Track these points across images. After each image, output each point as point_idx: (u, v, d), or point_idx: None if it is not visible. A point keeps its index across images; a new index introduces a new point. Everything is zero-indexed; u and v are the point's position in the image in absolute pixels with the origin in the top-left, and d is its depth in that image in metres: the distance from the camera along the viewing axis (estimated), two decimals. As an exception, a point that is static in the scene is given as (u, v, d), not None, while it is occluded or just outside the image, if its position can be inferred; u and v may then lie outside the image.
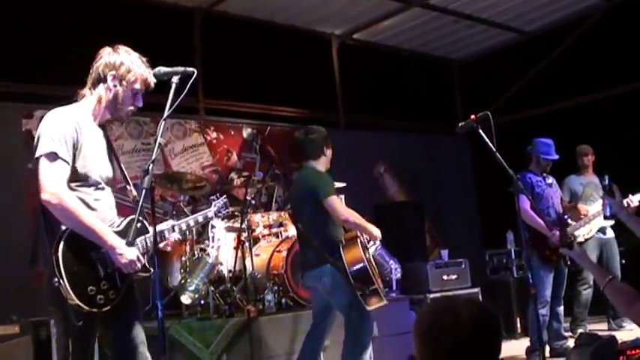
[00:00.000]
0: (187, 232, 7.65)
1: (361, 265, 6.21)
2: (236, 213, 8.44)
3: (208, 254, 8.13)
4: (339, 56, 12.55)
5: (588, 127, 11.26)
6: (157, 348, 4.16)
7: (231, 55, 10.87)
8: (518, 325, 10.30)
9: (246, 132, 11.17)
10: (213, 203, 5.35)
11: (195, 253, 8.18)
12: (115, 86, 4.45)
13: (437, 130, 12.60)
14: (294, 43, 11.74)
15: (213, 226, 8.24)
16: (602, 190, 9.32)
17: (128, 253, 4.25)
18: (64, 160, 4.20)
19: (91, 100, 4.50)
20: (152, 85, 4.51)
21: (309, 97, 12.00)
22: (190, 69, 4.42)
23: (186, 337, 7.17)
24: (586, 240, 9.17)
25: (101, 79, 4.47)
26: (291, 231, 8.73)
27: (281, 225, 8.83)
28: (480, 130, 5.92)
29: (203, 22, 10.85)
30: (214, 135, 10.80)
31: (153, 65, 4.56)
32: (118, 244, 4.23)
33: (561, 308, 8.51)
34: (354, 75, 12.51)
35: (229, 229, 8.33)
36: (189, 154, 10.42)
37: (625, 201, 8.85)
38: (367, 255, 6.42)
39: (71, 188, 4.24)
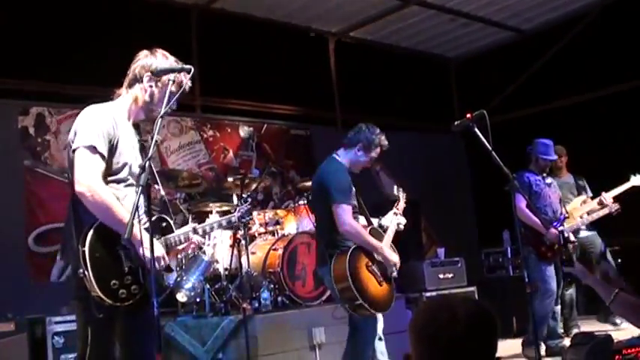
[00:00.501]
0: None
1: (344, 284, 6.11)
2: (232, 211, 8.42)
3: (204, 252, 8.12)
4: (335, 54, 12.54)
5: (585, 126, 11.28)
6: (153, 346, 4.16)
7: (227, 52, 10.87)
8: (515, 323, 10.29)
9: (242, 130, 11.15)
10: (238, 208, 5.49)
11: (191, 250, 8.16)
12: (150, 87, 4.51)
13: (433, 129, 12.58)
14: (290, 40, 11.73)
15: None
16: (576, 190, 9.39)
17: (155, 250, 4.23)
18: (101, 155, 4.27)
19: (127, 99, 4.56)
20: (187, 88, 4.53)
21: (306, 94, 12.00)
22: (188, 66, 4.45)
23: (182, 334, 7.18)
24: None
25: (137, 80, 4.53)
26: (288, 229, 8.74)
27: (277, 223, 8.83)
28: (476, 129, 5.92)
29: (200, 19, 10.84)
30: (211, 133, 10.79)
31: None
32: (146, 240, 4.19)
33: (558, 307, 8.52)
34: (350, 73, 12.50)
35: (225, 227, 8.31)
36: (186, 152, 10.41)
37: (600, 198, 8.96)
38: (360, 269, 6.26)
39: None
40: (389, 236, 6.55)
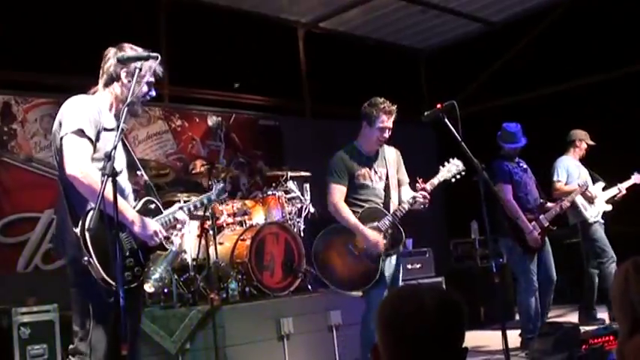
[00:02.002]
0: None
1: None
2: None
3: (172, 242, 8.05)
4: (305, 45, 12.51)
5: (554, 116, 11.33)
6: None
7: (196, 42, 10.81)
8: (482, 314, 10.34)
9: (210, 120, 11.10)
10: (214, 187, 5.56)
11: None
12: (129, 82, 4.50)
13: (403, 120, 12.53)
14: (260, 30, 11.68)
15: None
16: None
17: (150, 225, 4.48)
18: (89, 138, 4.31)
19: (106, 96, 4.61)
20: (160, 74, 4.63)
21: (275, 85, 11.98)
22: (154, 54, 4.43)
23: (150, 325, 7.13)
24: (594, 222, 9.19)
25: (114, 78, 4.58)
26: (256, 219, 8.70)
27: (245, 213, 8.77)
28: (446, 120, 5.92)
29: (168, 8, 10.76)
30: (179, 122, 10.72)
31: (117, 51, 4.55)
32: (139, 218, 4.43)
33: (550, 298, 8.38)
34: (320, 64, 12.49)
35: (193, 217, 8.26)
36: (154, 142, 10.33)
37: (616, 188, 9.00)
38: (333, 248, 6.37)
39: None
40: (393, 214, 6.43)
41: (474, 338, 8.77)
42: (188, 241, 8.12)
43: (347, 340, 7.94)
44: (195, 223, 8.20)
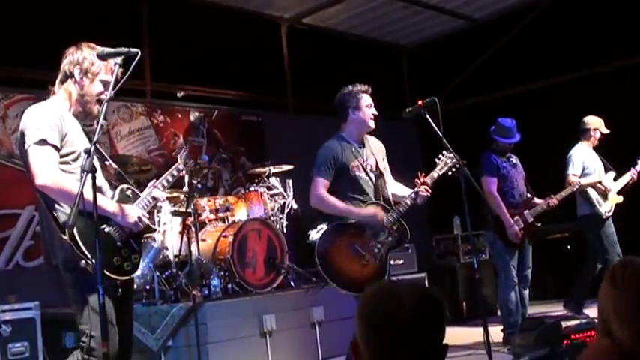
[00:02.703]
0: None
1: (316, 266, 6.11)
2: (182, 197, 8.37)
3: (154, 239, 8.06)
4: (288, 40, 12.49)
5: (537, 112, 11.35)
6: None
7: (179, 37, 10.75)
8: (465, 309, 10.37)
9: (193, 115, 11.07)
10: (178, 156, 5.46)
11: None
12: (82, 79, 4.59)
13: (385, 116, 12.56)
14: (243, 26, 11.65)
15: (159, 211, 8.16)
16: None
17: (132, 213, 4.55)
18: (53, 146, 4.35)
19: (61, 94, 4.65)
20: (119, 74, 4.53)
21: (258, 80, 11.94)
22: (134, 50, 4.42)
23: (131, 322, 7.11)
24: (608, 217, 9.17)
25: (68, 76, 4.62)
26: (238, 216, 8.69)
27: (227, 210, 8.77)
28: (427, 116, 5.93)
29: (150, 3, 10.70)
30: (161, 118, 10.68)
31: (99, 46, 4.53)
32: (119, 208, 4.52)
33: (526, 292, 8.30)
34: (303, 59, 12.47)
35: (175, 214, 8.26)
36: (136, 138, 10.30)
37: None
38: (336, 250, 6.11)
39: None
40: (397, 210, 6.20)
41: (456, 334, 8.79)
42: (170, 238, 8.11)
43: (330, 337, 7.96)
44: (178, 220, 8.20)
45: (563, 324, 6.67)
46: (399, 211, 6.19)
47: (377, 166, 6.38)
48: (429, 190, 6.15)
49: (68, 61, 4.62)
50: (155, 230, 4.65)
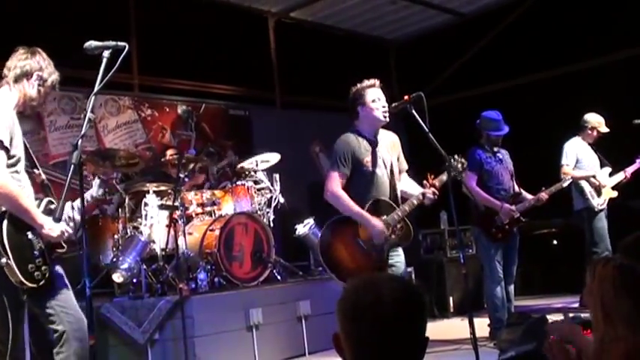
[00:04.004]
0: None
1: (319, 256, 6.11)
2: (169, 190, 8.37)
3: (141, 232, 8.06)
4: (275, 34, 12.49)
5: (524, 107, 11.38)
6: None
7: (166, 31, 10.74)
8: (451, 304, 10.40)
9: (181, 109, 11.07)
10: (94, 183, 5.47)
11: (128, 231, 8.11)
12: (39, 85, 4.72)
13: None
14: (230, 20, 11.64)
15: (146, 204, 8.17)
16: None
17: (55, 229, 4.56)
18: (5, 148, 4.43)
19: (14, 93, 4.69)
20: (56, 88, 4.87)
21: (245, 74, 11.94)
22: (122, 43, 4.42)
23: (119, 315, 7.12)
24: (600, 210, 9.22)
25: (25, 76, 4.69)
26: (225, 210, 8.70)
27: (214, 204, 8.77)
28: (413, 111, 5.94)
29: (138, -3, 10.70)
30: (149, 112, 10.68)
31: (86, 40, 4.51)
32: (47, 221, 4.56)
33: (512, 287, 8.26)
34: (290, 53, 12.47)
35: (162, 207, 8.25)
36: (123, 131, 10.29)
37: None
38: (339, 242, 6.09)
39: None
40: (402, 209, 6.13)
41: (443, 328, 8.83)
42: (157, 231, 8.11)
43: (316, 331, 7.98)
44: (165, 213, 8.20)
45: (550, 319, 6.71)
46: (405, 210, 6.15)
47: (390, 161, 6.36)
48: (437, 193, 6.14)
49: (29, 64, 4.69)
50: (64, 248, 4.69)
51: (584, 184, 9.16)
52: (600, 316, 2.84)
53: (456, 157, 6.19)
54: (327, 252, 6.02)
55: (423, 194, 6.13)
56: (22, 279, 4.36)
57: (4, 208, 4.39)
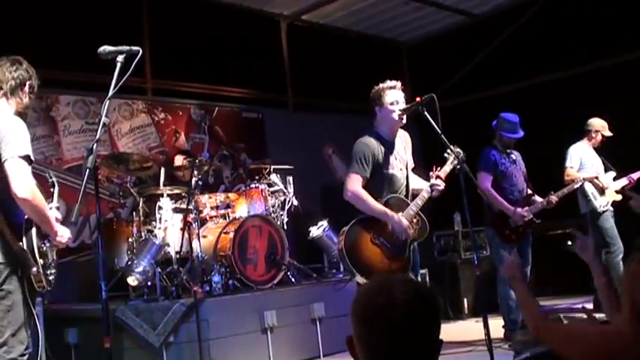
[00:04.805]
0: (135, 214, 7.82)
1: (341, 255, 6.13)
2: (183, 194, 8.40)
3: (155, 235, 8.09)
4: (288, 37, 12.51)
5: (537, 108, 11.35)
6: (102, 330, 4.14)
7: (179, 35, 10.76)
8: (466, 305, 10.38)
9: (194, 113, 11.09)
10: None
11: (142, 234, 8.13)
12: (30, 93, 4.89)
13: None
14: (243, 23, 11.66)
15: (160, 207, 8.19)
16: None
17: (65, 236, 4.79)
18: (31, 161, 4.60)
19: (12, 104, 4.81)
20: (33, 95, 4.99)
21: (258, 77, 11.95)
22: (135, 48, 4.43)
23: (133, 318, 7.14)
24: (604, 212, 9.19)
25: (20, 87, 4.83)
26: (239, 212, 8.72)
27: (228, 206, 8.81)
28: (426, 112, 5.95)
29: (151, 1, 10.72)
30: (162, 116, 10.69)
31: (100, 45, 4.52)
32: (60, 229, 4.75)
33: None
34: (302, 56, 12.48)
35: (176, 210, 8.28)
36: (137, 135, 10.31)
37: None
38: (361, 242, 6.12)
39: None
40: (415, 204, 6.20)
41: (457, 330, 8.82)
42: (171, 235, 8.13)
43: (330, 333, 7.99)
44: (179, 216, 8.22)
45: (564, 319, 6.69)
46: (418, 204, 6.21)
47: (406, 161, 6.46)
48: (444, 183, 6.19)
49: (20, 75, 4.82)
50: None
51: (586, 185, 9.13)
52: (630, 314, 2.82)
53: (452, 147, 6.24)
54: (353, 253, 6.04)
55: (432, 186, 6.22)
56: (46, 285, 4.60)
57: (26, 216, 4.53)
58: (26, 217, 4.52)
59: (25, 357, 4.58)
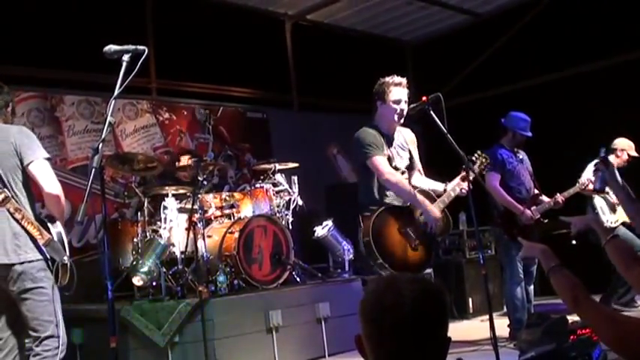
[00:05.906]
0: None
1: (366, 240, 6.06)
2: (188, 194, 8.40)
3: (160, 235, 8.09)
4: (292, 37, 12.51)
5: (542, 108, 11.33)
6: (107, 329, 4.14)
7: (183, 35, 10.77)
8: (471, 305, 10.37)
9: (198, 112, 11.09)
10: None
11: (147, 234, 8.13)
12: (11, 113, 5.46)
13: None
14: (247, 22, 11.66)
15: (165, 207, 8.19)
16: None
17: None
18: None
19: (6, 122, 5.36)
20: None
21: (263, 77, 11.95)
22: (141, 47, 4.41)
23: (138, 318, 7.14)
24: (612, 229, 9.07)
25: (7, 105, 5.37)
26: (244, 212, 8.71)
27: (233, 206, 8.80)
28: (432, 112, 5.94)
29: (156, 1, 10.72)
30: (166, 115, 10.70)
31: (104, 45, 4.51)
32: None
33: (531, 287, 8.29)
34: (307, 56, 12.48)
35: (181, 210, 8.28)
36: (141, 135, 10.32)
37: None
38: (387, 230, 6.13)
39: None
40: (442, 200, 6.30)
41: (462, 329, 8.81)
42: (176, 235, 8.13)
43: (336, 332, 7.98)
44: (184, 216, 8.22)
45: (570, 319, 6.68)
46: (445, 201, 6.29)
47: (411, 157, 6.50)
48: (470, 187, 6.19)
49: (4, 96, 5.33)
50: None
51: (597, 199, 9.09)
52: None
53: (478, 152, 6.24)
54: (380, 241, 6.03)
55: (460, 187, 6.27)
56: (69, 280, 5.11)
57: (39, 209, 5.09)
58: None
59: (64, 347, 5.03)
